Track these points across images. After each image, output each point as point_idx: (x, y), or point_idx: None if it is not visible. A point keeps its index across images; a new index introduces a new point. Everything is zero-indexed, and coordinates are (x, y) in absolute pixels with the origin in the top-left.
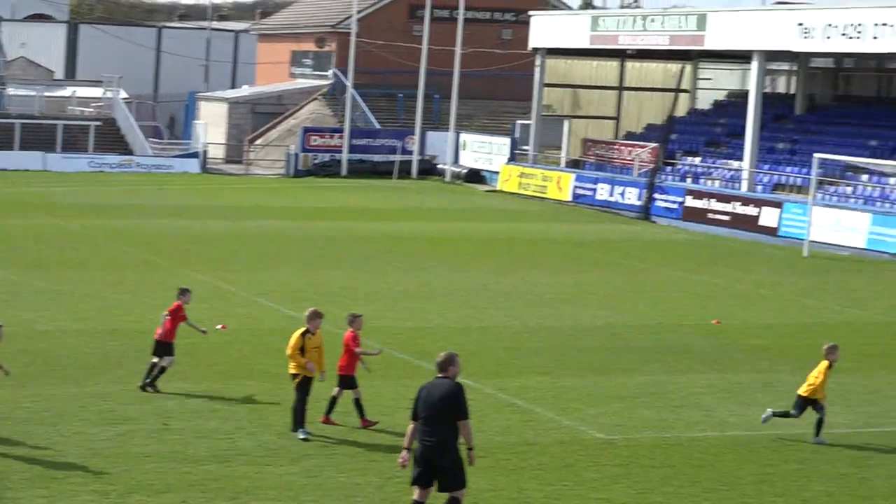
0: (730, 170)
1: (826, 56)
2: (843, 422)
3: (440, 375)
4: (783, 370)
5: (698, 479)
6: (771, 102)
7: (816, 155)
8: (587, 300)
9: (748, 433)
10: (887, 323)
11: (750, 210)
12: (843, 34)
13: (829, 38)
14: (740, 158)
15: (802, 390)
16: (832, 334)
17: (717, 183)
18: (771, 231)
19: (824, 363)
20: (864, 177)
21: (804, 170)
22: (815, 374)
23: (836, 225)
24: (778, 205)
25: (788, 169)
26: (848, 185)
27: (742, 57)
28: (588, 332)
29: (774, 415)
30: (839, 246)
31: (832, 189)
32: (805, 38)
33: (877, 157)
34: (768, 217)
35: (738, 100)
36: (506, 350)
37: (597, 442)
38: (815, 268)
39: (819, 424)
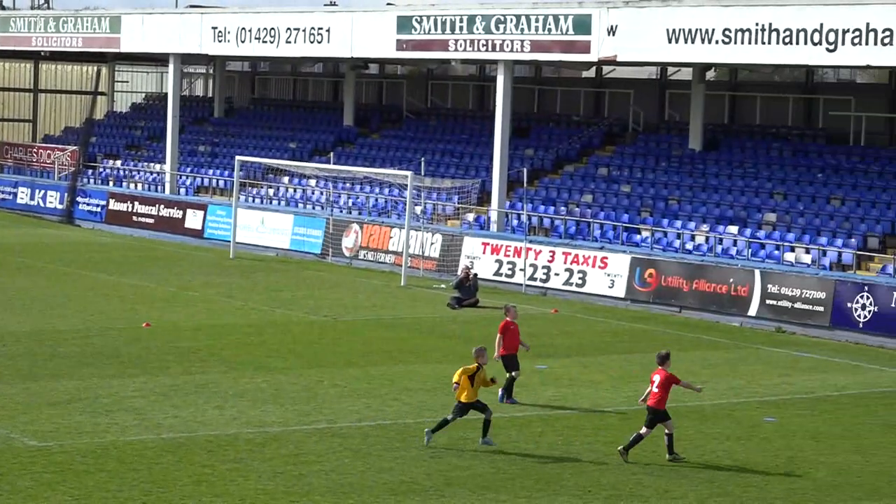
0: (152, 172)
1: (242, 59)
2: (277, 420)
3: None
4: (215, 371)
5: (136, 482)
6: (190, 105)
7: (238, 157)
8: (13, 306)
9: (184, 435)
10: (311, 322)
11: (174, 212)
12: (257, 38)
13: (243, 41)
14: (162, 161)
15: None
16: (261, 334)
17: (140, 186)
18: (197, 233)
19: (473, 367)
20: (286, 179)
21: (226, 172)
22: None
23: (261, 226)
24: (202, 207)
25: (211, 171)
26: (270, 186)
27: (159, 60)
28: (15, 339)
29: (433, 431)
30: (265, 247)
31: (255, 191)
32: (220, 41)
33: (297, 160)
34: (193, 219)
35: (156, 102)
36: None
37: (30, 449)
38: (242, 269)
39: (486, 425)
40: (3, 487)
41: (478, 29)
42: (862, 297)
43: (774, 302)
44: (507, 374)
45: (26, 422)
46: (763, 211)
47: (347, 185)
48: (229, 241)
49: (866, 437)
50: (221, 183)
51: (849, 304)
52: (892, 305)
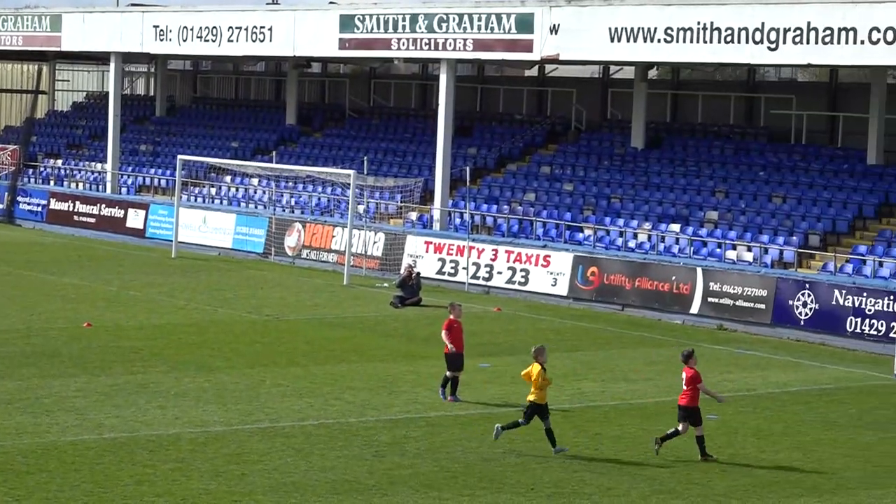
0: (93, 172)
1: (183, 58)
2: (219, 420)
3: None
4: (157, 370)
5: (77, 482)
6: (132, 104)
7: (180, 157)
8: None
9: (125, 435)
10: (254, 321)
11: (116, 212)
12: (199, 37)
13: (185, 40)
14: (103, 160)
15: (531, 397)
16: (204, 333)
17: (81, 185)
18: (138, 233)
19: (537, 366)
20: (228, 178)
21: (168, 171)
22: (535, 379)
23: (203, 225)
24: (144, 206)
25: (152, 171)
26: (213, 186)
27: (100, 58)
28: None
29: (504, 429)
30: (207, 246)
31: (197, 190)
32: (161, 40)
33: (239, 159)
34: (135, 219)
35: (98, 101)
36: None
37: None
38: (185, 268)
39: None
40: None
41: (420, 28)
42: (803, 294)
43: (716, 300)
44: (448, 373)
45: None
46: (705, 209)
47: (290, 184)
48: (171, 241)
49: (807, 434)
50: (163, 182)
51: (790, 302)
52: (833, 303)
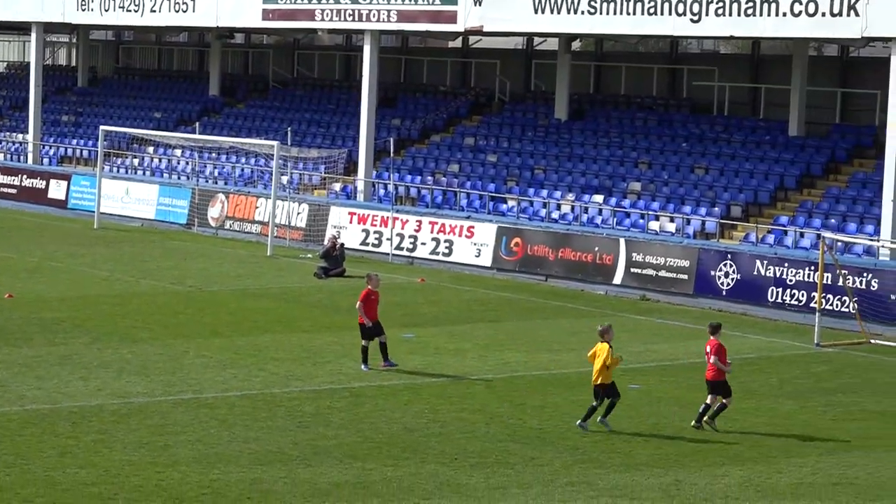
0: (15, 142)
1: (105, 29)
2: (142, 391)
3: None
4: (79, 342)
5: None
6: (53, 74)
7: (102, 127)
8: None
9: (47, 406)
10: (177, 292)
11: (38, 183)
12: (122, 7)
13: (107, 10)
14: (25, 131)
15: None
16: (126, 304)
17: (2, 156)
18: (60, 203)
19: (604, 346)
20: (151, 149)
21: (90, 142)
22: (602, 358)
23: (126, 196)
24: (66, 177)
25: (74, 141)
26: (135, 156)
27: (21, 28)
28: None
29: (586, 419)
30: (130, 217)
31: (120, 161)
32: (83, 10)
33: (161, 129)
34: (57, 190)
35: (19, 72)
36: None
37: None
38: (107, 239)
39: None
40: None
41: None
42: (725, 265)
43: (639, 270)
44: (364, 343)
45: None
46: (628, 180)
47: (213, 155)
48: (94, 212)
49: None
50: (86, 153)
51: (712, 272)
52: (755, 273)
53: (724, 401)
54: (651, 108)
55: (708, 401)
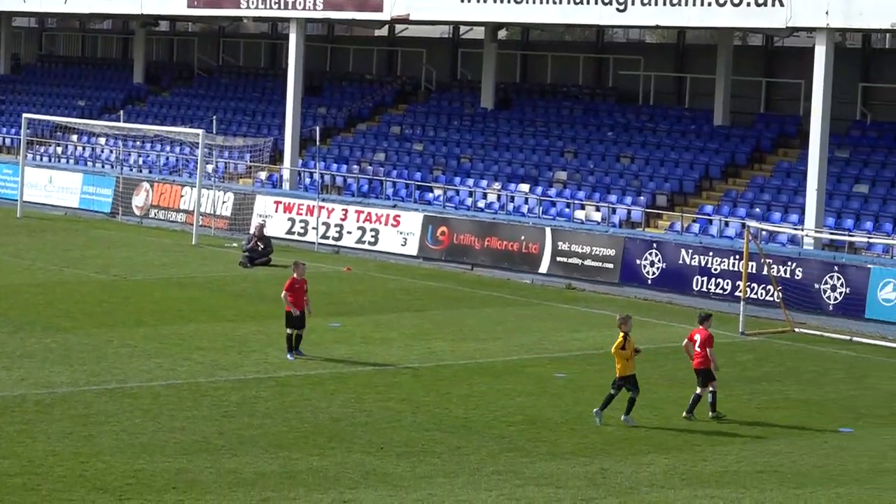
0: None
1: (28, 15)
2: (66, 381)
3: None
4: (2, 331)
5: None
6: None
7: (25, 115)
8: None
9: None
10: (101, 281)
11: None
12: None
13: None
14: None
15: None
16: (50, 293)
17: None
18: None
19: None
20: (75, 137)
21: (13, 130)
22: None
23: (49, 185)
24: None
25: None
26: (59, 145)
27: None
28: None
29: (603, 408)
30: (53, 206)
31: (43, 149)
32: None
33: (86, 118)
34: None
35: None
36: None
37: None
38: (30, 228)
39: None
40: None
41: None
42: (650, 254)
43: (565, 259)
44: (288, 331)
45: None
46: (554, 169)
47: (138, 143)
48: (16, 201)
49: (654, 392)
50: (8, 141)
51: (638, 262)
52: (680, 262)
53: (710, 388)
54: (577, 97)
55: (698, 391)
